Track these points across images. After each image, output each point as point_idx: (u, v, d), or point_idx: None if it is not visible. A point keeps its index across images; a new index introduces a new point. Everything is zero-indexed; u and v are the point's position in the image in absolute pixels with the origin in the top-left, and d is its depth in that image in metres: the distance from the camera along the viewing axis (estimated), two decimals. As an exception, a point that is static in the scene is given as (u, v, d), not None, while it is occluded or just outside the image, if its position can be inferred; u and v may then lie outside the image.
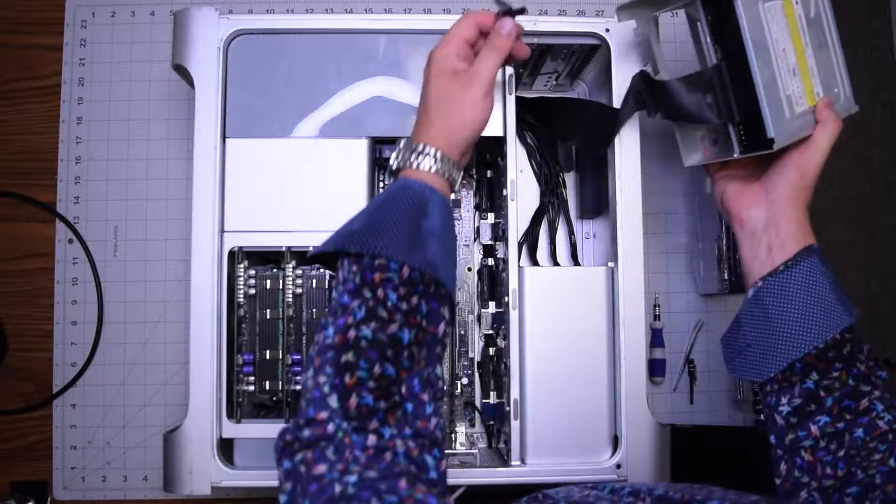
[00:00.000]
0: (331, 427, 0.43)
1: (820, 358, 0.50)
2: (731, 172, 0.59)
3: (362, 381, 0.44)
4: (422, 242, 0.49)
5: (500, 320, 0.66)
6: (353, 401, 0.44)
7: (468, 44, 0.54)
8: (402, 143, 0.53)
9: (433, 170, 0.51)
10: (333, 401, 0.43)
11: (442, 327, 0.50)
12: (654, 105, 0.59)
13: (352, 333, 0.45)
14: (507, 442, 0.62)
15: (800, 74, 0.54)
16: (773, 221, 0.54)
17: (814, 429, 0.50)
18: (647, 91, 0.59)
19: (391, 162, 0.53)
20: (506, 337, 0.62)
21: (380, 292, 0.47)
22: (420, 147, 0.51)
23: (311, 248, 0.62)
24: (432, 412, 0.47)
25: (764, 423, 0.55)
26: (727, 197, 0.58)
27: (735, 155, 0.55)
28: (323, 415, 0.43)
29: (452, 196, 0.74)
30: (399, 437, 0.44)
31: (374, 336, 0.45)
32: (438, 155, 0.51)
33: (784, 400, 0.52)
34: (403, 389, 0.46)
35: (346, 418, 0.43)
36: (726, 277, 0.73)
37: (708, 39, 0.54)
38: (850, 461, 0.48)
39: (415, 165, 0.51)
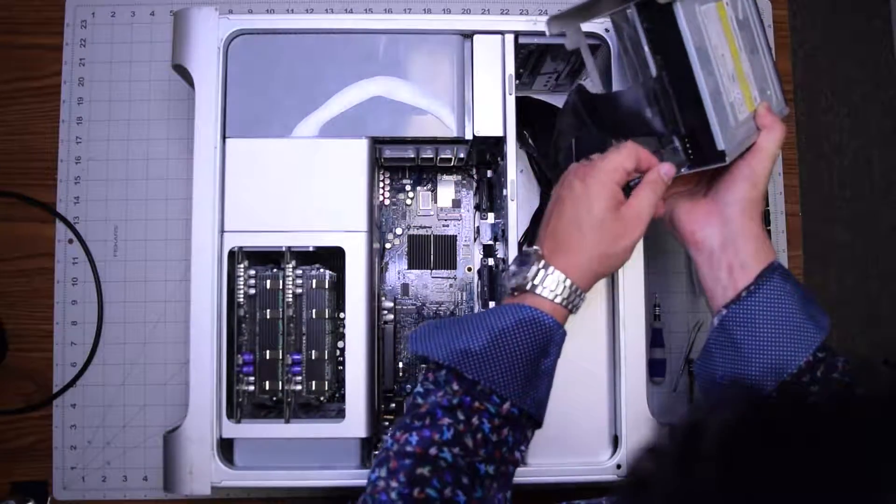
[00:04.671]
0: None
1: (795, 384, 0.49)
2: (677, 189, 0.55)
3: (430, 499, 0.44)
4: (536, 383, 0.48)
5: (500, 320, 0.66)
6: None
7: (627, 175, 0.51)
8: (533, 261, 0.49)
9: (562, 301, 0.48)
10: None
11: (521, 451, 0.50)
12: (591, 121, 0.54)
13: (433, 451, 0.45)
14: (507, 442, 0.62)
15: (738, 80, 0.51)
16: (730, 241, 0.52)
17: None
18: (585, 106, 0.55)
19: (514, 280, 0.49)
20: (506, 337, 0.62)
21: (475, 420, 0.47)
22: (557, 274, 0.49)
23: (311, 248, 0.62)
24: None
25: None
26: (677, 217, 0.55)
27: (683, 170, 0.51)
28: None
29: (453, 196, 0.75)
30: None
31: (454, 461, 0.45)
32: (573, 287, 0.49)
33: None
34: None
35: None
36: (726, 277, 0.73)
37: (646, 48, 0.50)
38: None
39: (545, 293, 0.48)
